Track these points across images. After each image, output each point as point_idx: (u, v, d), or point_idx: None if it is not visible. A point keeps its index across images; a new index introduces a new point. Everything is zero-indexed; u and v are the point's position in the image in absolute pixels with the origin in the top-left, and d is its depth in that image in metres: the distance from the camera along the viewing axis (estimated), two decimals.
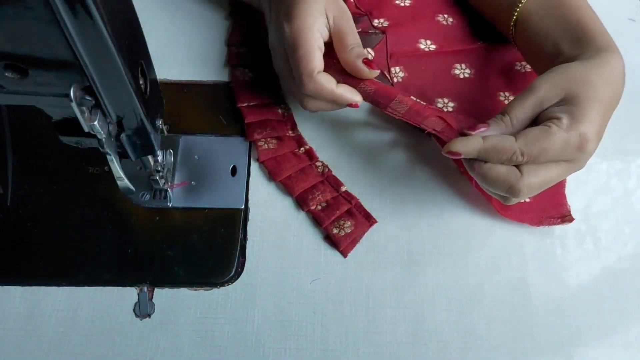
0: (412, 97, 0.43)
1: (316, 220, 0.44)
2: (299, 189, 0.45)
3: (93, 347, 0.39)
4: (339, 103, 0.43)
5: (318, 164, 0.47)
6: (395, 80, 0.50)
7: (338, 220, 0.44)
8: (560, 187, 0.46)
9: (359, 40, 0.43)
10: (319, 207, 0.45)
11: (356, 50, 0.42)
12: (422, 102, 0.44)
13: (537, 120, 0.39)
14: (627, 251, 0.45)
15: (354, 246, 0.43)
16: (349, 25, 0.43)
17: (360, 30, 0.52)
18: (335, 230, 0.43)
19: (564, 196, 0.46)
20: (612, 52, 0.40)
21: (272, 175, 0.46)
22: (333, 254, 0.43)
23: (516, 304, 0.42)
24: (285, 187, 0.45)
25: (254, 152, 0.47)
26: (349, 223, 0.44)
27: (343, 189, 0.45)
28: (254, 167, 0.47)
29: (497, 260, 0.44)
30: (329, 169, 0.46)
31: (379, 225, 0.44)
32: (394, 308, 0.42)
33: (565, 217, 0.45)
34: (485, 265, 0.43)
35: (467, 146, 0.38)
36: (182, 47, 0.52)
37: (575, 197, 0.46)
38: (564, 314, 0.42)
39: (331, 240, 0.43)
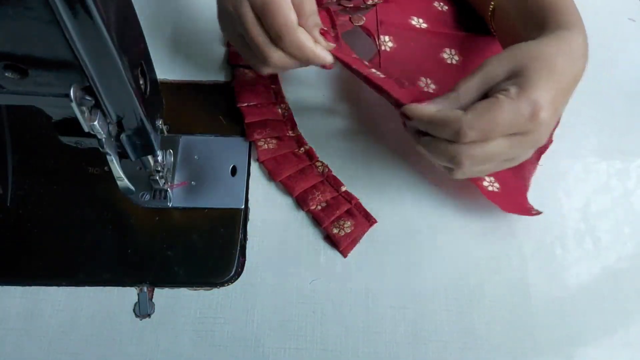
0: (373, 70, 0.43)
1: (316, 220, 0.44)
2: (299, 189, 0.45)
3: (93, 347, 0.39)
4: (314, 63, 0.42)
5: (318, 164, 0.47)
6: (383, 48, 0.49)
7: (338, 220, 0.44)
8: (524, 186, 0.46)
9: (315, 7, 0.42)
10: (319, 207, 0.45)
11: (313, 19, 0.41)
12: (380, 75, 0.43)
13: (487, 97, 0.37)
14: (627, 251, 0.45)
15: (354, 246, 0.43)
16: None
17: (352, 5, 0.51)
18: (335, 230, 0.43)
19: (525, 195, 0.45)
20: (571, 28, 0.39)
21: (272, 175, 0.46)
22: (333, 254, 0.43)
23: (516, 304, 0.42)
24: (285, 187, 0.45)
25: (254, 152, 0.47)
26: (349, 223, 0.44)
27: (343, 189, 0.45)
28: (254, 167, 0.46)
29: (497, 260, 0.44)
30: (329, 169, 0.46)
31: (379, 225, 0.44)
32: (393, 308, 0.42)
33: (532, 211, 0.44)
34: (485, 265, 0.43)
35: (419, 110, 0.38)
36: (182, 47, 0.52)
37: (575, 197, 0.46)
38: (564, 314, 0.42)
39: (331, 240, 0.43)
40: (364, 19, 0.49)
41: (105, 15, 0.25)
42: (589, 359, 0.41)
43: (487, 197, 0.44)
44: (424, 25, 0.51)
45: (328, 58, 0.42)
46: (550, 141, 0.48)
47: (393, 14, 0.51)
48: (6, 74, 0.27)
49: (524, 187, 0.46)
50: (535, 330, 0.41)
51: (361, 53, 0.46)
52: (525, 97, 0.35)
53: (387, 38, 0.49)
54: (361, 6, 0.51)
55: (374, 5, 0.51)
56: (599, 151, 0.49)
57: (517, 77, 0.36)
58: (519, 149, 0.37)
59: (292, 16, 0.39)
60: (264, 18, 0.39)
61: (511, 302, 0.42)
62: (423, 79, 0.49)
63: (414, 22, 0.51)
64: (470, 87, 0.38)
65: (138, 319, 0.40)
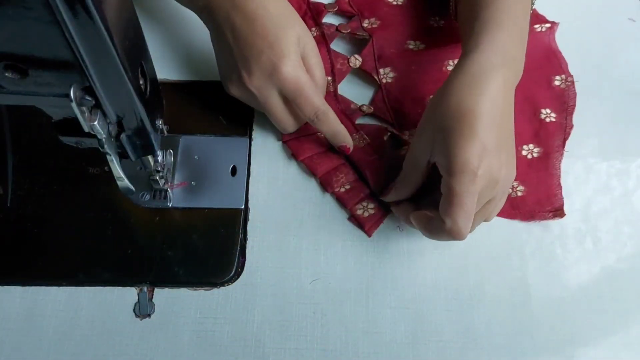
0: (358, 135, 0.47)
1: (340, 202, 0.45)
2: (323, 170, 0.46)
3: (93, 347, 0.39)
4: (336, 139, 0.45)
5: (356, 136, 0.47)
6: (384, 81, 0.50)
7: (361, 202, 0.45)
8: (555, 178, 0.46)
9: (324, 74, 0.45)
10: (343, 190, 0.45)
11: (322, 92, 0.45)
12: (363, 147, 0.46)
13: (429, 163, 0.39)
14: (627, 251, 0.45)
15: (378, 226, 0.44)
16: (315, 62, 0.44)
17: (349, 31, 0.52)
18: (359, 212, 0.44)
19: (559, 187, 0.46)
20: (479, 45, 0.39)
21: (294, 154, 0.46)
22: (333, 254, 0.43)
23: (516, 303, 0.42)
24: (308, 167, 0.46)
25: (277, 134, 0.47)
26: (373, 205, 0.45)
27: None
28: (254, 167, 0.46)
29: (497, 260, 0.44)
30: (368, 140, 0.47)
31: (379, 225, 0.44)
32: (394, 308, 0.42)
33: (557, 210, 0.45)
34: (485, 265, 0.43)
35: (408, 216, 0.40)
36: (182, 47, 0.52)
37: (575, 197, 0.46)
38: (564, 314, 0.42)
39: (356, 220, 0.44)
40: (360, 59, 0.50)
41: (106, 15, 0.25)
42: (589, 359, 0.41)
43: (506, 216, 0.45)
44: (422, 47, 0.52)
45: (349, 140, 0.45)
46: (571, 126, 0.48)
47: (389, 43, 0.52)
48: (6, 74, 0.27)
49: (555, 176, 0.46)
50: (535, 330, 0.41)
51: (362, 92, 0.49)
52: (456, 170, 0.35)
53: (387, 69, 0.50)
54: (357, 33, 0.51)
55: (370, 32, 0.52)
56: (599, 151, 0.49)
57: (440, 144, 0.37)
58: (494, 190, 0.37)
59: (322, 99, 0.43)
60: (297, 103, 0.42)
61: (511, 302, 0.42)
62: (432, 97, 0.49)
63: (411, 47, 0.52)
64: (408, 177, 0.41)
65: (138, 319, 0.40)
